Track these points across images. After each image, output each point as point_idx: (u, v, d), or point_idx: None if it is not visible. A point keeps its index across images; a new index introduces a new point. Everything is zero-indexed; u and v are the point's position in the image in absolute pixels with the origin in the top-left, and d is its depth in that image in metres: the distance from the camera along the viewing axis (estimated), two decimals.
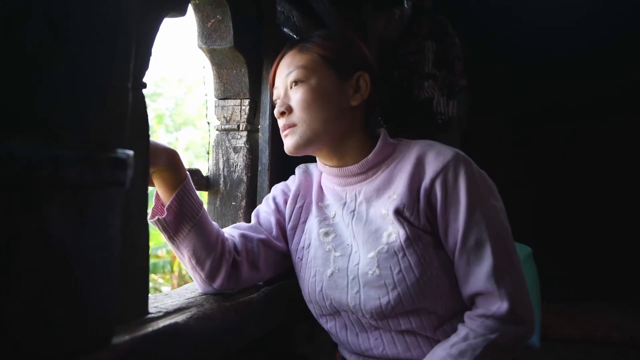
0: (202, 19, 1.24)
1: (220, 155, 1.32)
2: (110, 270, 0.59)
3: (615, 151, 3.71)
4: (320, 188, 1.11)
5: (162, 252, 7.27)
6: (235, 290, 1.02)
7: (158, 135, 10.24)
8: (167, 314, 0.80)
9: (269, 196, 1.17)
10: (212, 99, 1.34)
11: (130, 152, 0.60)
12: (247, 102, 1.31)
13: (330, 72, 1.00)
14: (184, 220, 0.91)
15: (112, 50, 0.59)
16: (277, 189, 1.17)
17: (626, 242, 3.56)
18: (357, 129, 1.04)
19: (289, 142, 1.01)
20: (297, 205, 1.12)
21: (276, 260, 1.09)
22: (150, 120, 0.80)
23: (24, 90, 0.47)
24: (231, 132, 1.32)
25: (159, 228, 0.90)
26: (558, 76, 3.67)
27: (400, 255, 0.93)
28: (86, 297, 0.55)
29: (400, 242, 0.93)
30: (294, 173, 1.18)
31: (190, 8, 1.14)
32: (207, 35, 1.25)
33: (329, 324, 1.06)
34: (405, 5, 2.60)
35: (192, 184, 0.94)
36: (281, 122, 1.02)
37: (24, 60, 0.47)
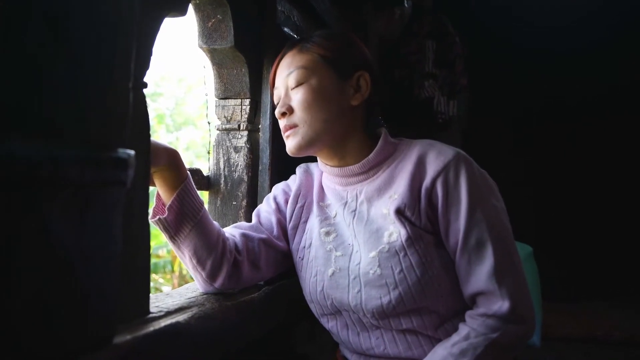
0: (203, 19, 1.25)
1: (221, 154, 1.33)
2: (111, 270, 0.59)
3: (616, 150, 3.70)
4: (321, 188, 1.11)
5: (162, 252, 7.27)
6: (236, 289, 1.02)
7: (159, 135, 10.24)
8: (168, 313, 0.80)
9: (270, 196, 1.17)
10: (212, 99, 1.34)
11: (132, 152, 0.60)
12: (247, 101, 1.31)
13: (331, 72, 1.00)
14: (185, 219, 0.91)
15: (113, 50, 0.59)
16: (278, 188, 1.17)
17: (627, 241, 3.55)
18: (358, 128, 1.04)
19: (291, 144, 1.01)
20: (298, 205, 1.12)
21: (277, 260, 1.09)
22: (151, 120, 0.80)
23: (24, 90, 0.47)
24: (232, 132, 1.32)
25: (160, 228, 0.90)
26: (558, 75, 3.67)
27: (401, 254, 0.93)
28: (87, 297, 0.55)
29: (402, 241, 0.93)
30: (294, 172, 1.18)
31: (190, 8, 1.14)
32: (208, 35, 1.25)
33: (330, 324, 1.06)
34: (406, 5, 2.59)
35: (193, 183, 0.94)
36: (282, 122, 1.02)
37: (24, 60, 0.47)
